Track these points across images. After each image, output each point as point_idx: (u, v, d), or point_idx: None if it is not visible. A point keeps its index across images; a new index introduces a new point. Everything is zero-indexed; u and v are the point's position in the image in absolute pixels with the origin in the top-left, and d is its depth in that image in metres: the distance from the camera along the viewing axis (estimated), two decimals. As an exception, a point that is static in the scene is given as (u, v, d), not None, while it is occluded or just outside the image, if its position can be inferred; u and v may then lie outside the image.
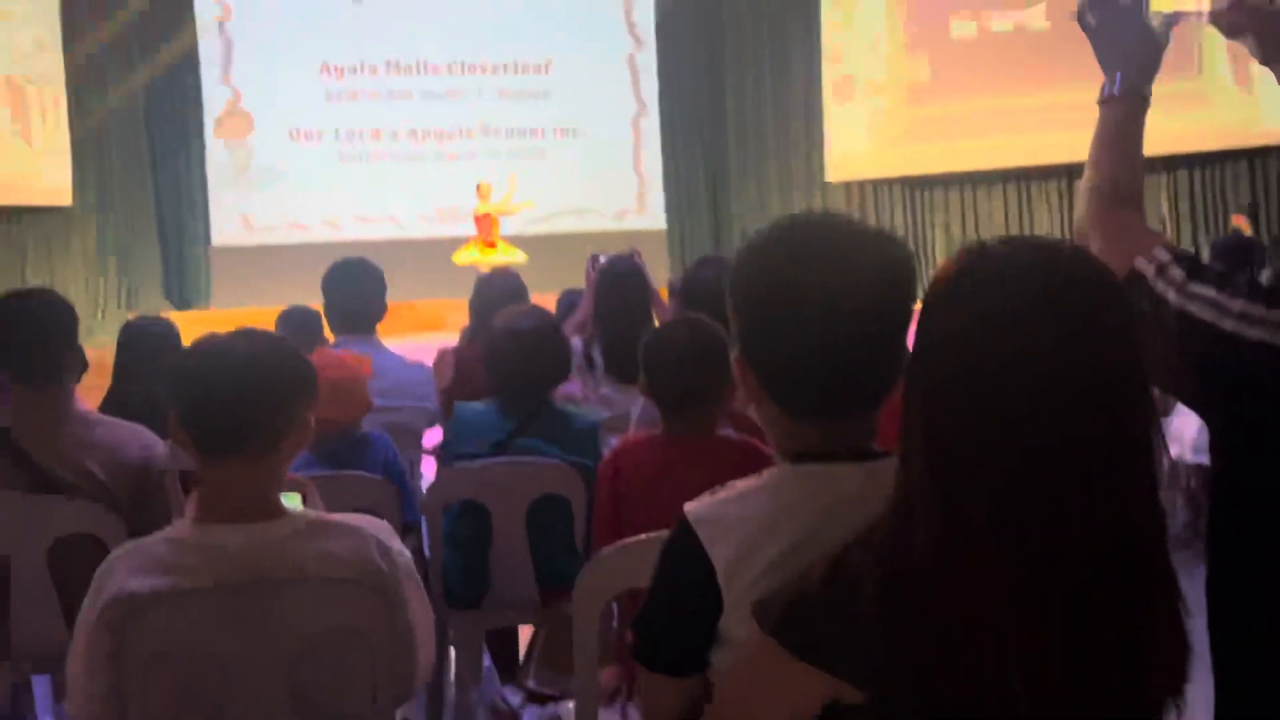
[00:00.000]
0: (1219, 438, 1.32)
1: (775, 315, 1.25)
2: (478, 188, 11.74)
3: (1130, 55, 1.47)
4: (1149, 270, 1.31)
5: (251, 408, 1.64)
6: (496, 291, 4.08)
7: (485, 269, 11.01)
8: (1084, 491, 1.03)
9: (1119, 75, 1.46)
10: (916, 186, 13.01)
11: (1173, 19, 1.47)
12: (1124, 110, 1.46)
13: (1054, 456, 1.02)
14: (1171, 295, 1.27)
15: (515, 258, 11.47)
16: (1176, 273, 1.29)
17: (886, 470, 1.13)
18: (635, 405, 3.33)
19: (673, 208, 14.44)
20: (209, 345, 1.70)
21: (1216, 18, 1.45)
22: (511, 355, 2.91)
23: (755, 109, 13.70)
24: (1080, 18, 1.50)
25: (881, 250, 1.27)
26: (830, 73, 12.80)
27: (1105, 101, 1.48)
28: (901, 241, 1.33)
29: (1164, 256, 1.31)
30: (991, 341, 1.04)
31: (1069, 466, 1.03)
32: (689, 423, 2.39)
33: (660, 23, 14.21)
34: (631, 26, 14.23)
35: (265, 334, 1.74)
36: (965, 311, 1.07)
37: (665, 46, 14.26)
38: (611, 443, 3.53)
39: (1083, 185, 1.48)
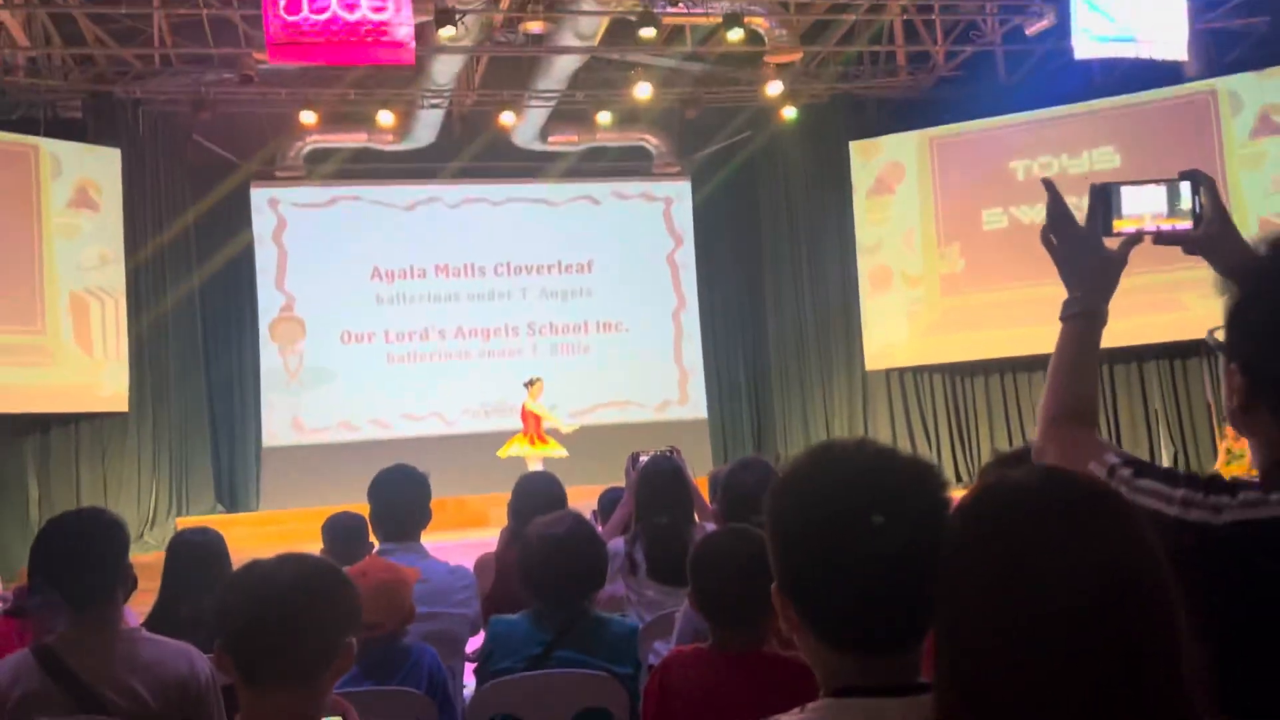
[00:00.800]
0: None
1: (812, 548, 1.25)
2: (532, 383, 11.89)
3: (1088, 275, 1.57)
4: (1100, 473, 1.42)
5: (293, 639, 1.65)
6: (534, 494, 4.11)
7: (529, 463, 11.10)
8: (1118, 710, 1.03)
9: (1078, 294, 1.57)
10: (957, 373, 13.04)
11: (1133, 239, 1.57)
12: (1082, 327, 1.56)
13: (1084, 678, 1.03)
14: (1123, 491, 1.36)
15: (558, 453, 11.57)
16: (1125, 472, 1.41)
17: (930, 704, 1.12)
18: (680, 607, 3.30)
19: (714, 398, 14.57)
20: (252, 574, 1.72)
21: (1162, 239, 1.58)
22: (546, 564, 2.90)
23: (793, 299, 13.92)
24: (1044, 238, 1.60)
25: (917, 480, 1.28)
26: (866, 264, 13.04)
27: (1066, 319, 1.58)
28: (937, 469, 1.33)
29: (1113, 459, 1.43)
30: (1012, 573, 1.07)
31: (1101, 686, 1.03)
32: (738, 637, 2.36)
33: (698, 220, 14.66)
34: (670, 224, 14.68)
35: (308, 560, 1.76)
36: (984, 547, 1.11)
37: (703, 242, 14.66)
38: (657, 648, 3.49)
39: (1040, 406, 1.59)
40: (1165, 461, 11.69)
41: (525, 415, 11.84)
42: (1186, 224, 1.56)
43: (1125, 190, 1.56)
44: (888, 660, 1.25)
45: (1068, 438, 1.51)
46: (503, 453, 11.72)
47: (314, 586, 1.70)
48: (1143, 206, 1.56)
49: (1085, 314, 1.55)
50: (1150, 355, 11.93)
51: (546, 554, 2.90)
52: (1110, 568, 1.06)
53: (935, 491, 1.28)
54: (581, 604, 2.92)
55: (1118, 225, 1.56)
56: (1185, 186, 1.56)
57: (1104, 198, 1.57)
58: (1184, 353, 11.75)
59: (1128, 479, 1.39)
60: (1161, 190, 1.55)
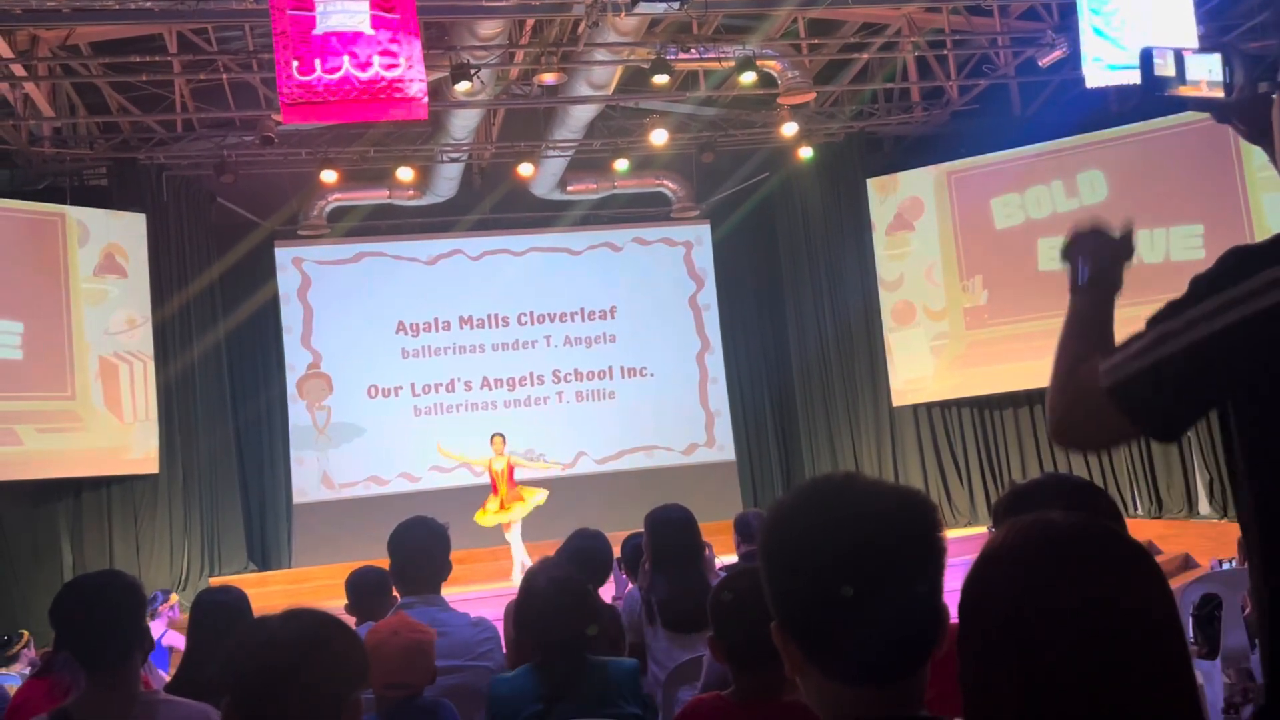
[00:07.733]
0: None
1: (806, 582, 1.24)
2: (494, 439, 11.44)
3: (1099, 250, 1.61)
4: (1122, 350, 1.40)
5: (298, 697, 1.64)
6: (578, 547, 4.12)
7: (507, 528, 10.81)
8: None
9: (1086, 268, 1.59)
10: (985, 406, 12.95)
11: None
12: (1093, 298, 1.57)
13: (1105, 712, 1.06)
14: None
15: (535, 500, 11.15)
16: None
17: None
18: (704, 652, 3.27)
19: (742, 439, 14.54)
20: (256, 633, 1.72)
21: (1200, 104, 1.64)
22: (540, 617, 2.89)
23: (816, 338, 13.89)
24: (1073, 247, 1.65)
25: (905, 509, 1.27)
26: (888, 300, 13.01)
27: (1075, 290, 1.59)
28: (925, 497, 1.32)
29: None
30: (1036, 622, 1.13)
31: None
32: (760, 681, 2.29)
33: (718, 262, 14.69)
34: (691, 267, 14.72)
35: (313, 616, 1.75)
36: (1010, 595, 1.16)
37: (725, 284, 14.69)
38: (682, 696, 3.46)
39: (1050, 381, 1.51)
40: (1201, 491, 11.52)
41: (494, 477, 11.32)
42: (1219, 94, 1.64)
43: (1188, 58, 1.63)
44: (890, 689, 1.24)
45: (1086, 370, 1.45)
46: (483, 520, 11.22)
47: (318, 644, 1.69)
48: (1200, 74, 1.64)
49: (1096, 282, 1.58)
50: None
51: (540, 607, 2.90)
52: (1132, 619, 1.11)
53: (924, 517, 1.27)
54: (579, 651, 2.90)
55: (1182, 90, 1.64)
56: (1217, 58, 1.64)
57: (1178, 62, 1.64)
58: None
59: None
60: (1214, 58, 1.64)
